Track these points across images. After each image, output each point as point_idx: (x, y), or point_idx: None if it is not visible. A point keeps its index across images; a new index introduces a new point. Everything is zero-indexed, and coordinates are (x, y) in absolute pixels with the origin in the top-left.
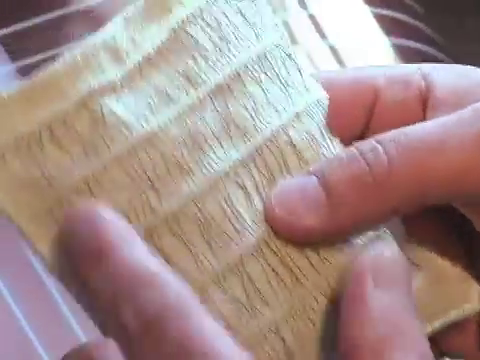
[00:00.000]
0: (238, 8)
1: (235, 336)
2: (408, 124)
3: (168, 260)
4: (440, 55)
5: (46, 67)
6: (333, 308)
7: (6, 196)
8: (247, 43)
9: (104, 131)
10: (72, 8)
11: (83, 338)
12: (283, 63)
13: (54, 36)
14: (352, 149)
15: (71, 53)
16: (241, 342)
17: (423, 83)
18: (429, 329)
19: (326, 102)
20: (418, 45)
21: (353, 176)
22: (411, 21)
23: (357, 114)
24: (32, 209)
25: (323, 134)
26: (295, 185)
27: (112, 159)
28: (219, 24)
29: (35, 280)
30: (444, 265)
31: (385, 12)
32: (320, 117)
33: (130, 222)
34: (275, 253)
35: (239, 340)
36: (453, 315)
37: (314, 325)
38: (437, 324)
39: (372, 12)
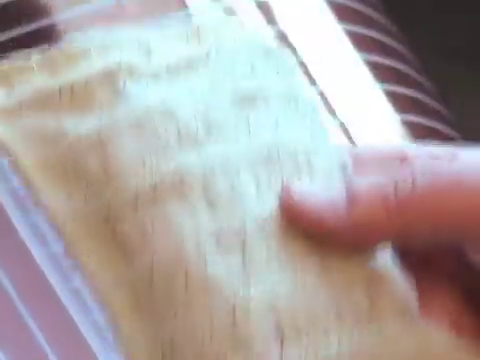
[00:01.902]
0: (272, 63)
1: (222, 298)
2: None
3: (167, 215)
4: (452, 133)
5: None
6: (331, 310)
7: (18, 143)
8: (277, 84)
9: (123, 100)
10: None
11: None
12: (311, 112)
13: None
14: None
15: (103, 34)
16: (228, 304)
17: (451, 155)
18: None
19: (350, 166)
20: (429, 122)
21: (378, 184)
22: (423, 98)
23: None
24: (41, 155)
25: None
26: (319, 187)
27: (127, 117)
28: (252, 64)
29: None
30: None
31: (397, 89)
32: (337, 167)
33: (136, 175)
34: (280, 233)
35: (226, 302)
36: None
37: (311, 315)
38: None
39: (384, 90)
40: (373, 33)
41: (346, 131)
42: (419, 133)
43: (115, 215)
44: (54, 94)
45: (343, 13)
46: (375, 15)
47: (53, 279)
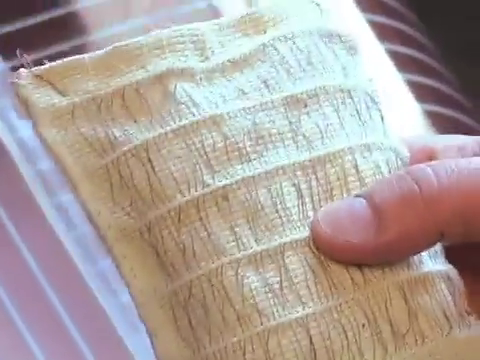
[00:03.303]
0: (332, 49)
1: (260, 317)
2: None
3: (209, 232)
4: (472, 122)
5: (129, 40)
6: (367, 328)
7: (67, 150)
8: (332, 75)
9: (173, 106)
10: (62, 11)
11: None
12: (367, 106)
13: (45, 36)
14: (400, 171)
15: (156, 34)
16: (265, 325)
17: (478, 149)
18: None
19: (406, 158)
20: (450, 112)
21: (402, 195)
22: (445, 89)
23: None
24: (89, 166)
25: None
26: (342, 204)
27: (175, 130)
28: (309, 51)
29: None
30: None
31: (417, 78)
32: (394, 162)
33: (180, 191)
34: (317, 255)
35: (264, 322)
36: None
37: (345, 336)
38: None
39: (405, 78)
40: (393, 22)
41: None
42: (440, 123)
43: (157, 231)
44: (105, 100)
45: (364, 2)
46: (395, 4)
47: (79, 261)
